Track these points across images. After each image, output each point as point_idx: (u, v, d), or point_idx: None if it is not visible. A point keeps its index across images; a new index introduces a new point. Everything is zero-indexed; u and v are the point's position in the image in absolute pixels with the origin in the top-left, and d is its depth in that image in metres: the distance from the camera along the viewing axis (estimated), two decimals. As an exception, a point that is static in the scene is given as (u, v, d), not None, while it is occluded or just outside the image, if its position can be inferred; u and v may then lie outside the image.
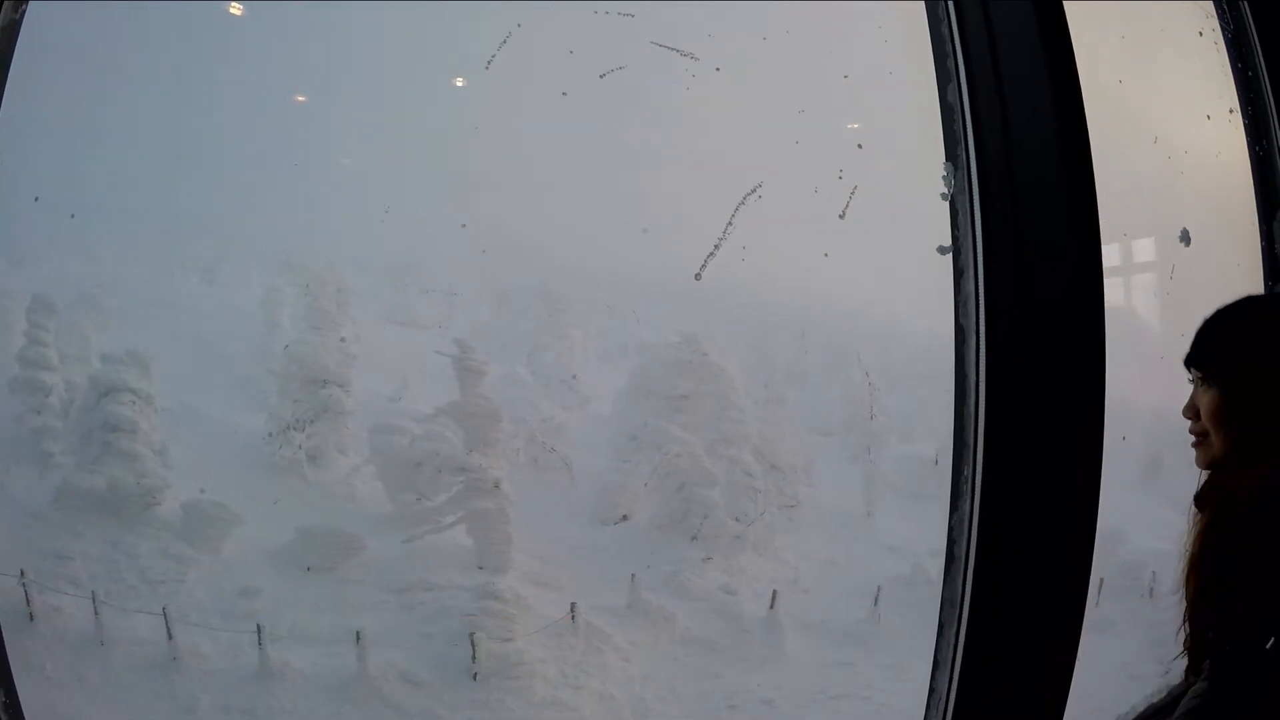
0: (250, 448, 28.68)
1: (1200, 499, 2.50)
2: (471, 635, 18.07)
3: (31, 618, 18.42)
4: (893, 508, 32.46)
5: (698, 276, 17.07)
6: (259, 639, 17.64)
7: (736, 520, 25.55)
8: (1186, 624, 2.47)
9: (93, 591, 19.01)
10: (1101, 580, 22.18)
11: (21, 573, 18.90)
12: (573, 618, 19.72)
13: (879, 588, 22.77)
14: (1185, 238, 4.16)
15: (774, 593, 21.96)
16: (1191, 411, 2.50)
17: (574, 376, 44.74)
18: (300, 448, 27.87)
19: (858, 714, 19.62)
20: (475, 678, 17.85)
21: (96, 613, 18.33)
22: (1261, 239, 3.76)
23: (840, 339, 43.65)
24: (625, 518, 27.86)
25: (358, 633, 17.75)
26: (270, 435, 28.31)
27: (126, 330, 31.79)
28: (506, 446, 25.52)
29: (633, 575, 21.80)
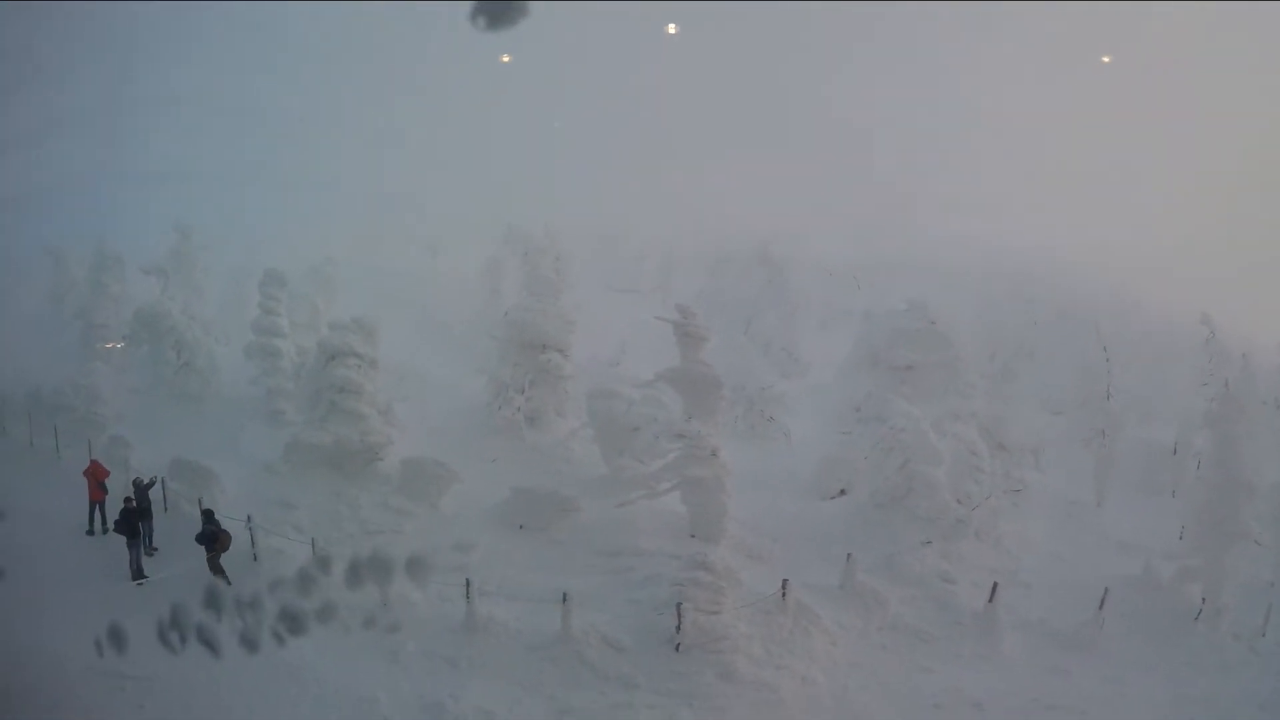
0: (470, 409, 29.48)
1: None
2: (678, 605, 17.62)
3: (255, 558, 19.55)
4: (1125, 499, 29.92)
5: None
6: (467, 592, 17.81)
7: (959, 503, 24.03)
8: None
9: (313, 539, 19.82)
10: None
11: (249, 518, 20.02)
12: (783, 594, 18.95)
13: (1106, 589, 20.65)
14: None
15: (994, 585, 20.39)
16: None
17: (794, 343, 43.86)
18: (519, 410, 28.45)
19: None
20: (678, 648, 17.41)
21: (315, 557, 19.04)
22: None
23: (1075, 308, 40.62)
24: (843, 492, 26.89)
25: (565, 593, 17.64)
26: (490, 398, 28.96)
27: (353, 299, 33.33)
28: (725, 414, 24.91)
29: (848, 555, 20.78)
